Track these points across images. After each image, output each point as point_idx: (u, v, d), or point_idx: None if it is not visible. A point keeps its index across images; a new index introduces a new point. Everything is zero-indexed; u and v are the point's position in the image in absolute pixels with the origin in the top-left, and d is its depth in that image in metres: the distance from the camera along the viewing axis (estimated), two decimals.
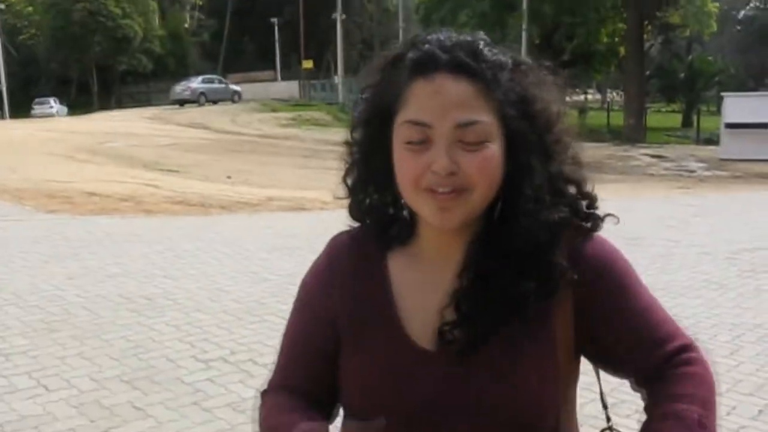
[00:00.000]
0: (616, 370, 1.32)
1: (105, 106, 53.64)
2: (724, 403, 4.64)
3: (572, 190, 1.31)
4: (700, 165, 21.12)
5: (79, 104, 54.00)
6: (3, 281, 7.45)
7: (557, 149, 1.28)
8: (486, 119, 1.20)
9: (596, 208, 1.34)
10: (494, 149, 1.20)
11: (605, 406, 1.46)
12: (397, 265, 1.34)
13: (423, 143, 1.20)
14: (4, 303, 6.66)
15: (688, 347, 1.30)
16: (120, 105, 56.27)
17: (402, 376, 1.27)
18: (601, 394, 1.46)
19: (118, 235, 10.07)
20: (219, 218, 11.66)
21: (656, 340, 1.29)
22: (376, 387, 1.28)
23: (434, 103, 1.19)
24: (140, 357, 5.36)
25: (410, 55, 1.23)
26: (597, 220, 1.33)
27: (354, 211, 1.38)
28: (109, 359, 5.31)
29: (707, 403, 1.24)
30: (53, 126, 31.67)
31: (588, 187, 1.33)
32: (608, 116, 33.34)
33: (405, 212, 1.32)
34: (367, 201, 1.35)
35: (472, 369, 1.24)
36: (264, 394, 1.39)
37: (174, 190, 14.32)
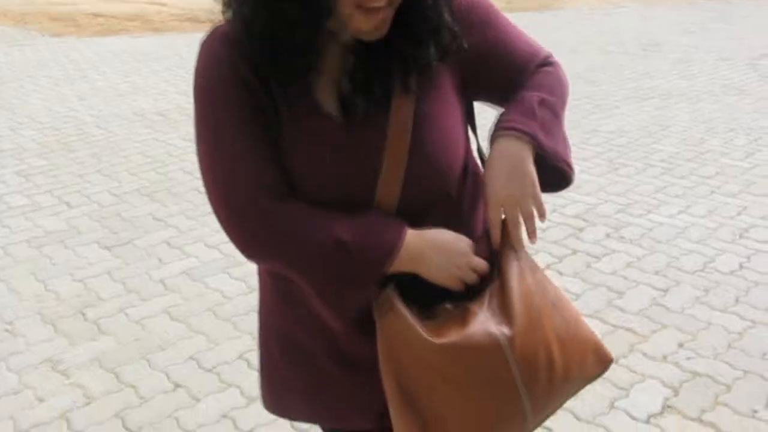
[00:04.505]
0: (502, 99, 1.38)
1: None
2: (735, 204, 4.70)
3: None
4: None
5: None
6: (15, 105, 7.44)
7: None
8: None
9: None
10: None
11: None
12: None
13: None
14: (18, 126, 6.68)
15: (547, 58, 1.41)
16: None
17: (323, 144, 1.28)
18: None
19: (127, 55, 9.94)
20: None
21: (526, 60, 1.38)
22: (305, 162, 1.28)
23: None
24: (158, 171, 5.43)
25: None
26: None
27: (255, 24, 1.20)
28: (128, 174, 5.38)
29: (553, 88, 1.36)
30: None
31: None
32: None
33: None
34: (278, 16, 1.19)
35: (388, 126, 1.27)
36: (269, 203, 1.26)
37: (181, 7, 13.98)
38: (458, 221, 1.37)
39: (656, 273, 3.85)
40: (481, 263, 1.32)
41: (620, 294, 3.64)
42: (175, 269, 3.95)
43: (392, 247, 1.26)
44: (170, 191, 5.01)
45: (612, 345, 3.21)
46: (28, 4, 14.79)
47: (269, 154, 1.26)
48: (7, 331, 3.42)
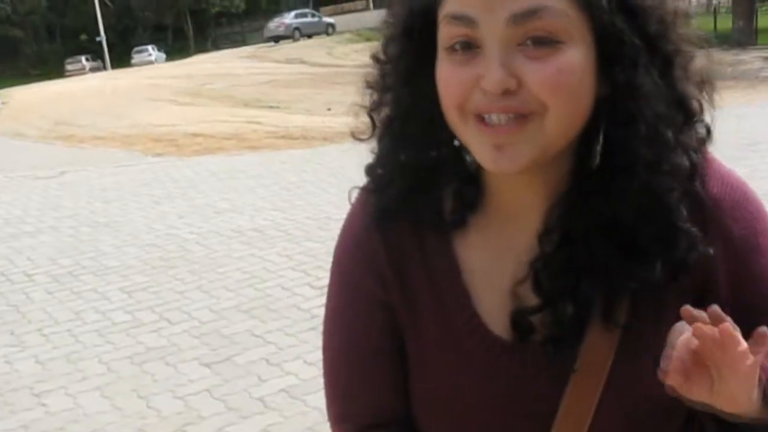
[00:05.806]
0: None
1: (201, 49, 54.38)
2: None
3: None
4: None
5: (176, 50, 55.15)
6: (120, 223, 7.72)
7: (676, 63, 0.88)
8: (557, 5, 0.81)
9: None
10: (574, 55, 0.82)
11: None
12: (459, 231, 0.99)
13: (469, 49, 0.84)
14: (122, 243, 6.90)
15: None
16: (216, 47, 56.98)
17: (483, 376, 0.97)
18: None
19: (224, 173, 10.26)
20: (322, 149, 11.67)
21: None
22: (441, 395, 1.01)
23: None
24: (256, 287, 5.47)
25: None
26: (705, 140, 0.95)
27: (388, 162, 1.03)
28: (226, 291, 5.44)
29: None
30: (154, 73, 32.38)
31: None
32: (715, 20, 31.59)
33: (468, 158, 0.94)
34: (410, 148, 0.97)
35: (564, 369, 0.93)
36: None
37: (276, 125, 14.45)
38: None
39: None
40: None
41: None
42: (274, 387, 3.90)
43: None
44: (268, 308, 5.03)
45: None
46: (132, 127, 15.57)
47: (392, 377, 1.03)
48: None
